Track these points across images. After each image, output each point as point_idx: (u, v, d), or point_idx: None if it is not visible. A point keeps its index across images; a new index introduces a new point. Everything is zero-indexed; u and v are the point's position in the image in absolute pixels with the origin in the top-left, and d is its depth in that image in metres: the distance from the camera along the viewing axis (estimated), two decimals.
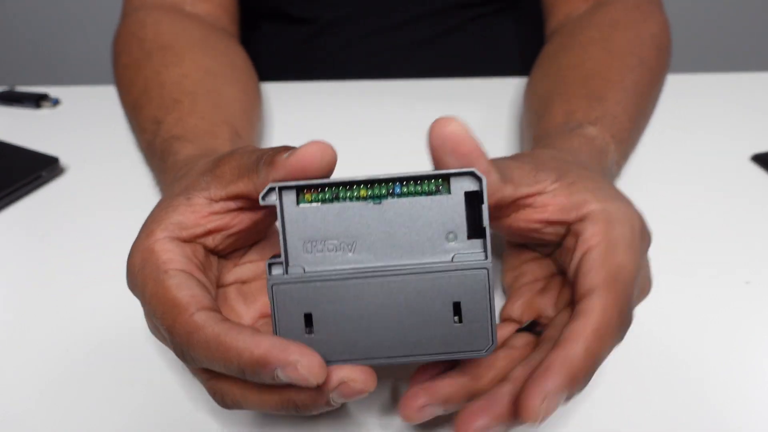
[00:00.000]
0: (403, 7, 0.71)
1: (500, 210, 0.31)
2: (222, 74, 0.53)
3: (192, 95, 0.48)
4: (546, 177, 0.31)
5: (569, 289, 0.31)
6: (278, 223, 0.27)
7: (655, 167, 0.53)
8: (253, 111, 0.53)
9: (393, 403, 0.35)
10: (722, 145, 0.57)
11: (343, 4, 0.71)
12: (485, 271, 0.27)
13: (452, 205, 0.27)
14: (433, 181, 0.27)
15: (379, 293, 0.27)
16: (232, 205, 0.30)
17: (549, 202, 0.30)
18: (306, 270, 0.27)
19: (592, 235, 0.29)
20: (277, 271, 0.27)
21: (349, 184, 0.27)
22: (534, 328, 0.31)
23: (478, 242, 0.27)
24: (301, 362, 0.25)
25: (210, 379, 0.29)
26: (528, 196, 0.30)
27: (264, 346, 0.25)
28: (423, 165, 0.57)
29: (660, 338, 0.38)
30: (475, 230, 0.27)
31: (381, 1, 0.71)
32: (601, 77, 0.49)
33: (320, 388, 0.26)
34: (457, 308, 0.27)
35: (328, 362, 0.26)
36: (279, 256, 0.27)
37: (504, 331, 0.33)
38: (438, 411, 0.28)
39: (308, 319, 0.27)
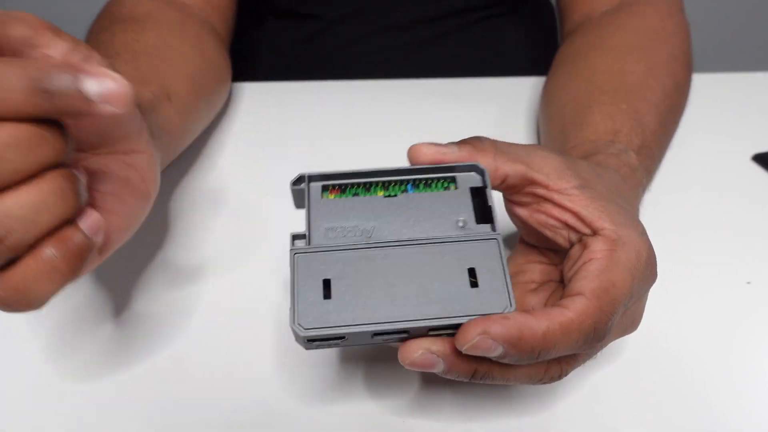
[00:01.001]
0: (405, 8, 0.71)
1: (517, 191, 0.32)
2: (178, 51, 0.50)
3: (134, 53, 0.46)
4: (571, 179, 0.31)
5: (561, 292, 0.31)
6: (305, 207, 0.30)
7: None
8: (202, 90, 0.51)
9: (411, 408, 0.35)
10: (723, 145, 0.56)
11: (349, 2, 0.71)
12: (496, 240, 0.29)
13: (460, 197, 0.30)
14: (441, 182, 0.30)
15: (396, 261, 0.28)
16: None
17: (567, 205, 0.31)
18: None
19: (598, 250, 0.29)
20: (299, 243, 0.29)
21: (367, 185, 0.30)
22: None
23: (486, 226, 0.29)
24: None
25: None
26: (546, 186, 0.31)
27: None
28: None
29: (661, 338, 0.38)
30: (483, 216, 0.30)
31: (387, 0, 0.71)
32: (641, 96, 0.47)
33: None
34: (472, 273, 0.28)
35: (348, 326, 0.26)
36: (303, 235, 0.29)
37: None
38: (437, 363, 0.27)
39: (326, 285, 0.28)
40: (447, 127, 0.60)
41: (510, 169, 0.31)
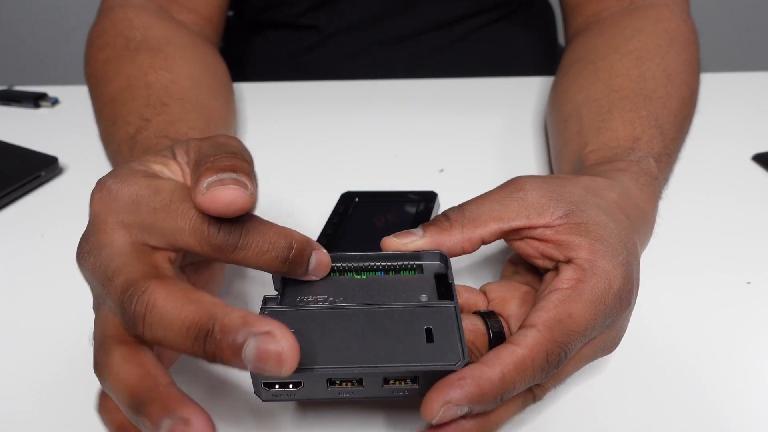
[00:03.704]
0: (403, 20, 0.71)
1: (502, 238, 0.34)
2: (207, 85, 0.53)
3: (180, 102, 0.48)
4: (554, 210, 0.32)
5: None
6: (280, 286, 0.32)
7: None
8: (232, 126, 0.55)
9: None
10: (723, 145, 0.56)
11: (347, 14, 0.71)
12: (452, 307, 0.30)
13: (425, 280, 0.32)
14: (408, 270, 0.33)
15: (358, 320, 0.30)
16: None
17: (549, 237, 0.32)
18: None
19: (565, 279, 0.30)
20: (271, 304, 0.31)
21: (340, 270, 0.33)
22: (488, 316, 0.32)
23: (447, 301, 0.31)
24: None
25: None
26: (528, 227, 0.32)
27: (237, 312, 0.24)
28: (422, 167, 0.57)
29: (661, 337, 0.38)
30: (445, 294, 0.31)
31: (387, 12, 0.70)
32: (661, 104, 0.47)
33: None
34: (429, 333, 0.29)
35: (305, 367, 0.27)
36: (274, 297, 0.31)
37: (469, 300, 0.34)
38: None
39: None
40: (451, 128, 0.60)
41: (483, 232, 0.33)
